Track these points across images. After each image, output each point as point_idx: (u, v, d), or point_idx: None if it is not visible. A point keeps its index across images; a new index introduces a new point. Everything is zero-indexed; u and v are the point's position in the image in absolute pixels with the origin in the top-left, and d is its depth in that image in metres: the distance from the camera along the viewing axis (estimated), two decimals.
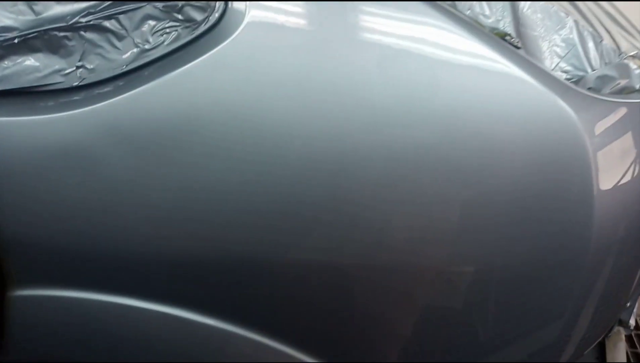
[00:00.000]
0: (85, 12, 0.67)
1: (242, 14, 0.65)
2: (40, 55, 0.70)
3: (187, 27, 0.67)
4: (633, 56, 0.86)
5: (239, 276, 0.70)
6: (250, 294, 0.72)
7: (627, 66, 0.84)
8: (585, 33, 0.84)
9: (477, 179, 0.70)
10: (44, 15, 0.69)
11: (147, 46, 0.68)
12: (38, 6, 0.68)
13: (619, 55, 0.85)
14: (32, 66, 0.70)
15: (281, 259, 0.69)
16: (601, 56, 0.84)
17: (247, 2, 0.65)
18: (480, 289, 0.77)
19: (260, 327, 0.74)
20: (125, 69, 0.68)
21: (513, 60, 0.69)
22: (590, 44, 0.84)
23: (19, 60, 0.70)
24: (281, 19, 0.66)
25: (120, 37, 0.68)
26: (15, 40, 0.68)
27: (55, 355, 0.81)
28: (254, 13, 0.65)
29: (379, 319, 0.74)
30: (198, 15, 0.66)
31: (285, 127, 0.65)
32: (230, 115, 0.66)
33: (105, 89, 0.68)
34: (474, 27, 0.70)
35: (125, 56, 0.68)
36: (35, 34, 0.68)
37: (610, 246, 0.83)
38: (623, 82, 0.83)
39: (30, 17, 0.69)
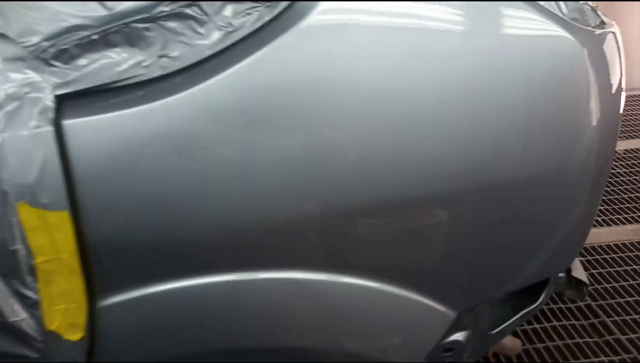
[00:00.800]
0: (163, 2, 0.68)
1: None
2: (118, 49, 0.69)
3: (268, 7, 0.71)
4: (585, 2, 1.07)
5: (356, 227, 0.76)
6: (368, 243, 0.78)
7: (584, 9, 1.03)
8: None
9: (497, 100, 0.80)
10: (118, 9, 0.69)
11: (230, 28, 0.71)
12: (110, 2, 0.68)
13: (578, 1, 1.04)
14: (111, 62, 0.69)
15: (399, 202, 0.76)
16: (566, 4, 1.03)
17: None
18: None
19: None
20: (213, 51, 0.70)
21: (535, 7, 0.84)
22: None
23: (97, 57, 0.69)
24: None
25: (202, 23, 0.70)
26: (94, 37, 0.68)
27: (152, 353, 0.80)
28: None
29: None
30: None
31: (377, 89, 0.73)
32: (323, 83, 0.72)
33: (195, 74, 0.70)
34: None
35: (210, 41, 0.71)
36: (114, 28, 0.68)
37: (602, 162, 1.00)
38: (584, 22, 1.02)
39: (103, 12, 0.68)
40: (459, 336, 0.97)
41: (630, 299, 1.66)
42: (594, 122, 0.88)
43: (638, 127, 2.89)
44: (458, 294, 0.89)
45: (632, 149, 2.64)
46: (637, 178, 2.38)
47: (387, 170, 0.75)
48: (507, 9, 0.82)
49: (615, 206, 2.16)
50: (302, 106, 0.70)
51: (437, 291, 0.86)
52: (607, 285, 1.72)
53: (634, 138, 2.77)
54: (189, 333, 0.79)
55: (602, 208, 2.14)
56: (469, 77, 0.78)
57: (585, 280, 1.29)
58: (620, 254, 1.88)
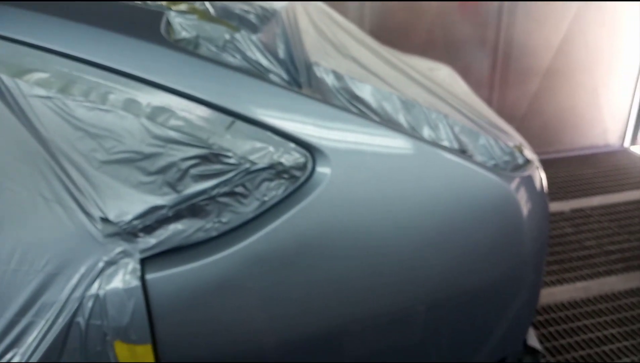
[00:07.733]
0: (220, 184, 0.94)
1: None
2: (185, 220, 0.95)
3: (292, 182, 0.98)
4: (516, 146, 1.36)
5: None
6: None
7: (514, 152, 1.33)
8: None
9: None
10: (186, 193, 0.94)
11: (265, 198, 0.97)
12: (179, 186, 0.93)
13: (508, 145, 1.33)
14: (179, 230, 0.94)
15: None
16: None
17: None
18: None
19: None
20: (253, 215, 0.96)
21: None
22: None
23: (170, 228, 0.94)
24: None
25: (245, 196, 0.96)
26: (169, 214, 0.93)
27: None
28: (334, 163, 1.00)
29: None
30: (298, 173, 0.98)
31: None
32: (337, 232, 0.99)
33: (241, 233, 0.96)
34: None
35: (250, 209, 0.97)
36: (183, 206, 0.93)
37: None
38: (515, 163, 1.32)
39: (175, 195, 0.93)
40: None
41: (583, 352, 1.94)
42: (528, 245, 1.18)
43: (583, 187, 3.26)
44: None
45: (578, 209, 2.99)
46: (583, 236, 2.70)
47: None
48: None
49: (565, 266, 2.47)
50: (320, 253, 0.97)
51: None
52: (562, 342, 1.99)
53: (580, 198, 3.13)
54: None
55: (554, 267, 2.45)
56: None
57: (539, 347, 1.57)
58: (572, 311, 2.16)
